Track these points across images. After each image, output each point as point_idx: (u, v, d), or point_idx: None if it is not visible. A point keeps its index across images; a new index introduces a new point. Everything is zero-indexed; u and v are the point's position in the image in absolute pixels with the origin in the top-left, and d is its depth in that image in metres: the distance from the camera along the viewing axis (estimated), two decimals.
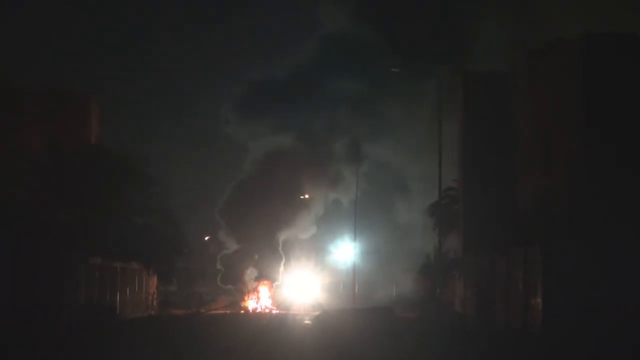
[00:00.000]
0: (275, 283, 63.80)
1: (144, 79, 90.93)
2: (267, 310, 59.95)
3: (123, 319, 43.47)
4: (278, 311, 59.07)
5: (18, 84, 48.08)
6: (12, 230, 35.25)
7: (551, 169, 39.63)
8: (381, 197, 67.44)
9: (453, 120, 48.97)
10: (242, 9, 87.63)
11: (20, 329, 31.95)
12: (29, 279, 35.00)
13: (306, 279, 64.99)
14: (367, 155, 64.41)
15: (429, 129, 51.73)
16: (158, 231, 47.36)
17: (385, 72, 59.82)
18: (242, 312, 58.76)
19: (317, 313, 47.18)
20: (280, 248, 63.86)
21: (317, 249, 68.16)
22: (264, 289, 62.54)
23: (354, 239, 64.19)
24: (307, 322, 44.98)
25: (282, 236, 64.22)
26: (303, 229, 64.99)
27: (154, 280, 51.97)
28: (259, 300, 61.94)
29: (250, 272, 63.64)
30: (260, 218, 62.11)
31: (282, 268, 63.95)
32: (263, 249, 63.11)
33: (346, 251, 66.32)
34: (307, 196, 64.80)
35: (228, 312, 56.79)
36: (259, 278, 63.18)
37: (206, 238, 72.79)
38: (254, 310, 60.22)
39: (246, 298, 62.20)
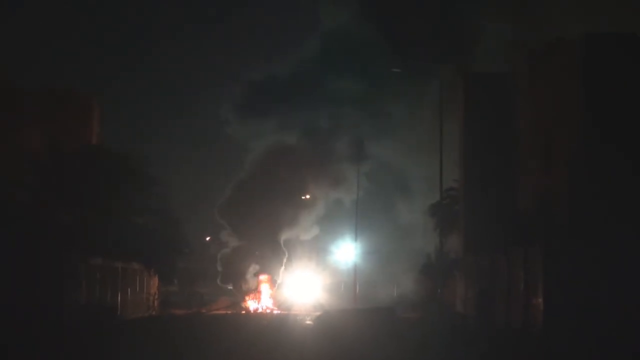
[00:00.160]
0: (277, 282, 63.76)
1: (144, 79, 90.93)
2: (268, 311, 59.94)
3: (124, 319, 43.47)
4: (279, 311, 59.07)
5: (18, 84, 48.09)
6: (12, 231, 35.21)
7: (551, 169, 39.63)
8: (382, 197, 67.52)
9: (454, 120, 48.99)
10: (242, 9, 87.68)
11: (21, 329, 31.95)
12: (29, 279, 34.96)
13: (307, 279, 64.96)
14: (369, 155, 64.42)
15: (430, 129, 51.74)
16: (158, 231, 47.35)
17: (385, 72, 59.85)
18: (243, 312, 58.76)
19: (318, 313, 47.17)
20: (282, 247, 63.83)
21: (319, 249, 68.17)
22: (265, 287, 62.48)
23: (355, 239, 64.21)
24: (308, 322, 44.99)
25: (284, 236, 64.22)
26: (304, 229, 65.00)
27: (154, 281, 51.98)
28: (260, 300, 61.92)
29: (252, 270, 63.61)
30: (261, 218, 62.10)
31: (283, 268, 63.91)
32: (264, 249, 63.10)
33: (347, 251, 66.32)
34: (307, 196, 64.78)
35: (229, 312, 56.80)
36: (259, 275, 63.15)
37: (207, 238, 72.81)
38: (255, 310, 60.22)
39: (247, 298, 62.18)
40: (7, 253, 34.32)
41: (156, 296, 52.43)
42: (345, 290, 65.31)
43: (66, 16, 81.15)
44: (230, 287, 64.61)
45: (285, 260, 63.93)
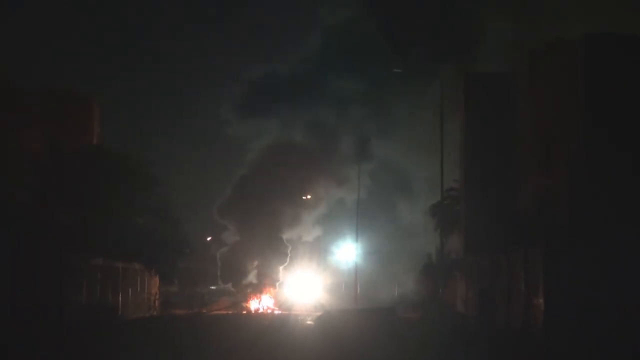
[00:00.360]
0: (278, 282, 63.75)
1: (144, 79, 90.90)
2: (269, 311, 59.94)
3: (125, 319, 43.50)
4: (280, 312, 59.06)
5: (18, 84, 48.07)
6: (12, 231, 35.21)
7: (551, 169, 39.64)
8: (383, 197, 67.53)
9: (454, 121, 49.03)
10: (242, 9, 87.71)
11: (21, 329, 31.97)
12: (29, 280, 34.99)
13: (308, 279, 64.97)
14: (370, 155, 64.42)
15: (430, 129, 51.78)
16: (159, 231, 47.33)
17: (386, 72, 59.88)
18: (244, 312, 58.77)
19: (319, 313, 47.20)
20: (285, 246, 63.78)
21: (320, 249, 68.19)
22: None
23: (356, 239, 64.20)
24: (309, 322, 45.00)
25: (285, 236, 64.18)
26: (305, 229, 64.96)
27: (155, 281, 51.99)
28: (261, 300, 61.92)
29: (252, 268, 63.57)
30: (262, 219, 62.06)
31: (283, 267, 63.87)
32: (264, 249, 63.05)
33: (348, 251, 66.33)
34: (308, 197, 64.77)
35: (230, 312, 56.81)
36: (260, 278, 63.11)
37: (208, 239, 72.81)
38: (256, 310, 60.21)
39: (248, 298, 62.16)
40: (7, 253, 34.34)
41: (157, 296, 52.44)
42: (346, 291, 65.32)
43: (66, 16, 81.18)
44: (227, 285, 64.51)
45: (287, 260, 63.89)
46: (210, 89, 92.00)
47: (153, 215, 46.85)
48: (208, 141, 78.21)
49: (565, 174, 37.90)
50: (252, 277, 63.27)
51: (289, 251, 63.49)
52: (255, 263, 63.07)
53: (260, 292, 62.25)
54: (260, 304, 61.54)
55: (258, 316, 54.44)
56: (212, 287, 69.16)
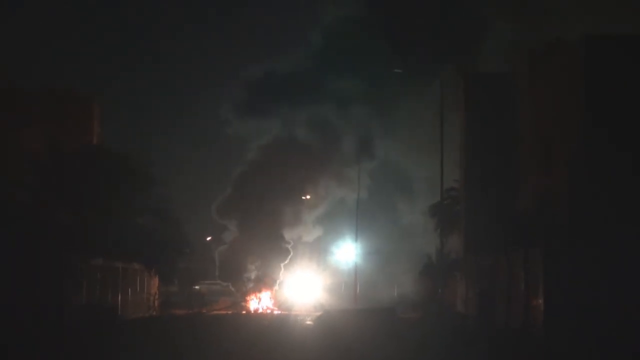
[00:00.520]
0: (277, 282, 63.71)
1: (144, 79, 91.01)
2: (268, 311, 59.92)
3: (124, 319, 43.49)
4: (279, 312, 59.04)
5: (18, 84, 48.13)
6: (12, 231, 35.21)
7: (551, 169, 39.64)
8: (383, 197, 67.51)
9: (454, 121, 49.02)
10: (242, 9, 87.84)
11: (21, 329, 31.96)
12: (29, 280, 34.97)
13: (308, 279, 64.94)
14: (370, 155, 64.40)
15: (430, 129, 51.74)
16: (158, 231, 47.30)
17: (386, 72, 59.82)
18: (244, 312, 58.74)
19: (318, 314, 47.18)
20: (285, 245, 63.73)
21: (320, 249, 68.17)
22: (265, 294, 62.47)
23: (356, 240, 64.18)
24: (308, 322, 44.98)
25: (285, 236, 64.13)
26: (305, 229, 64.91)
27: (155, 281, 51.99)
28: (261, 300, 61.88)
29: (252, 268, 63.54)
30: (261, 218, 62.02)
31: (283, 265, 63.82)
32: (264, 249, 63.00)
33: (348, 252, 66.30)
34: (308, 197, 64.72)
35: (229, 312, 56.80)
36: (259, 278, 63.06)
37: (208, 239, 72.80)
38: (256, 310, 60.18)
39: (247, 299, 62.13)
40: (7, 253, 34.33)
41: (156, 296, 52.44)
42: (346, 291, 65.32)
43: (66, 16, 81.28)
44: (227, 284, 64.47)
45: (287, 259, 63.83)
46: (210, 89, 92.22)
47: (153, 215, 46.82)
48: (208, 141, 78.40)
49: (565, 174, 37.90)
50: (251, 277, 63.24)
51: (290, 247, 63.45)
52: (255, 264, 63.04)
53: (260, 291, 62.21)
54: (260, 304, 61.51)
55: (258, 316, 54.42)
56: (208, 282, 69.14)
